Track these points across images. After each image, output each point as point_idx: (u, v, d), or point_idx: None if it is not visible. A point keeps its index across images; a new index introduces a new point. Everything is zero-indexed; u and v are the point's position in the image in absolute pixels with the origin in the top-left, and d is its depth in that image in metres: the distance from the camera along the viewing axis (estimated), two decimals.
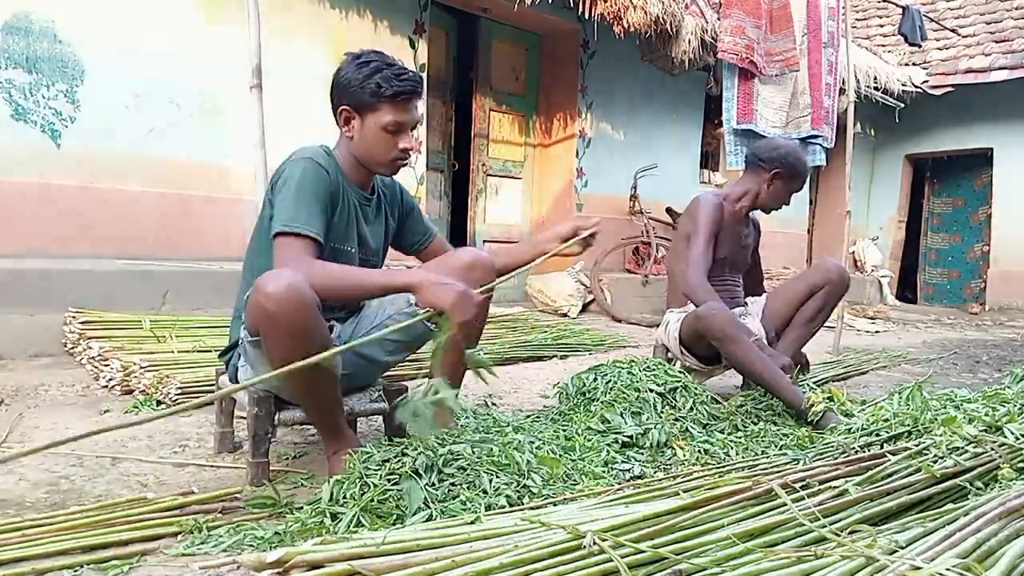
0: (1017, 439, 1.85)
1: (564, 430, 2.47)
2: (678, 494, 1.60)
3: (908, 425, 2.20)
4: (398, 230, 2.32)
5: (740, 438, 2.54)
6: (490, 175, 6.86)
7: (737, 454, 2.39)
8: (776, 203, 3.19)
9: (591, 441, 2.36)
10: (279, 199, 1.94)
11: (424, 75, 5.77)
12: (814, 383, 3.60)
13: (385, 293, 1.99)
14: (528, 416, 2.70)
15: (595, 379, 2.75)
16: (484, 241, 6.79)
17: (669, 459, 2.36)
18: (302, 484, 2.05)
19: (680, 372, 2.85)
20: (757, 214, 3.37)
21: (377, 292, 1.98)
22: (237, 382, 2.14)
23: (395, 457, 1.79)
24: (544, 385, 3.46)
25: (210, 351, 3.25)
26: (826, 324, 3.39)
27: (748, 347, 2.85)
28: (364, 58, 2.03)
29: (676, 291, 3.24)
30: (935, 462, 1.73)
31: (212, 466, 2.20)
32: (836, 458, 1.90)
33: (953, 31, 10.00)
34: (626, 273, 7.04)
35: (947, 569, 1.15)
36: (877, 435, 2.21)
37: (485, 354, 4.00)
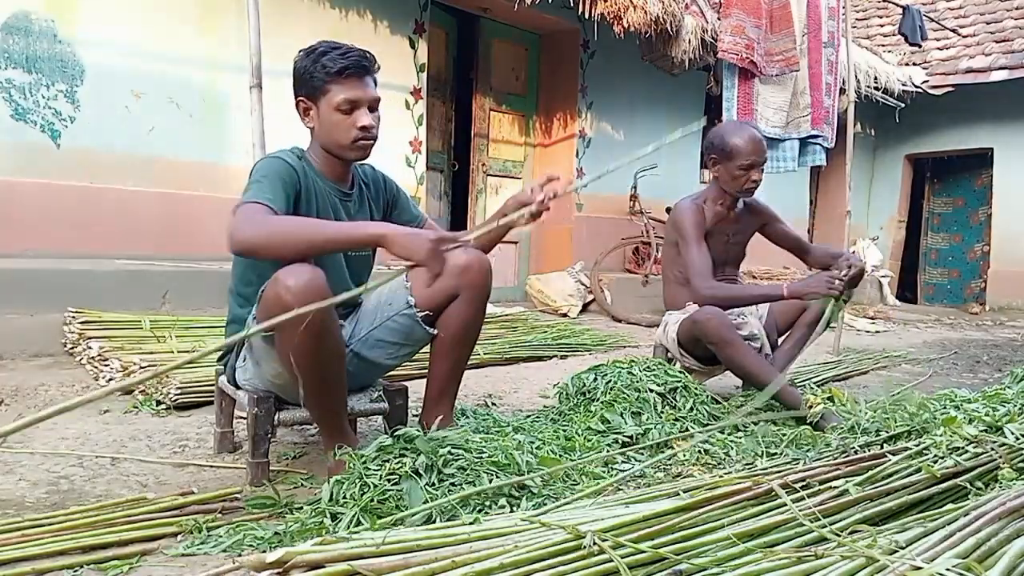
0: (1017, 439, 1.85)
1: (564, 430, 2.47)
2: (678, 494, 1.60)
3: (908, 425, 2.20)
4: (385, 219, 2.29)
5: (740, 438, 2.53)
6: (490, 175, 6.86)
7: (737, 454, 2.39)
8: (737, 186, 3.06)
9: (591, 441, 2.36)
10: (247, 192, 1.92)
11: (424, 75, 5.78)
12: (814, 383, 3.60)
13: (350, 246, 1.95)
14: (528, 416, 2.69)
15: (595, 379, 2.74)
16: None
17: (669, 459, 2.35)
18: (302, 484, 2.05)
19: (680, 372, 2.85)
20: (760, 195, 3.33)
21: (341, 244, 1.91)
22: (235, 383, 2.14)
23: (395, 457, 1.79)
24: (544, 385, 3.46)
25: (210, 351, 3.25)
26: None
27: (744, 350, 2.85)
28: (311, 47, 2.04)
29: (672, 293, 3.24)
30: (935, 462, 1.73)
31: (212, 466, 2.20)
32: (836, 458, 1.90)
33: (953, 31, 9.99)
34: (626, 273, 7.04)
35: (947, 569, 1.15)
36: (877, 435, 2.21)
37: (485, 354, 4.02)
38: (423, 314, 2.13)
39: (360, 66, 2.01)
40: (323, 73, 1.99)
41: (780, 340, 3.24)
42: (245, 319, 2.05)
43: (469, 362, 2.33)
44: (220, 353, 2.21)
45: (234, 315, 2.13)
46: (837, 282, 2.82)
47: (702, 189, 3.34)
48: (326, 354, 1.87)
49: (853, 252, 3.52)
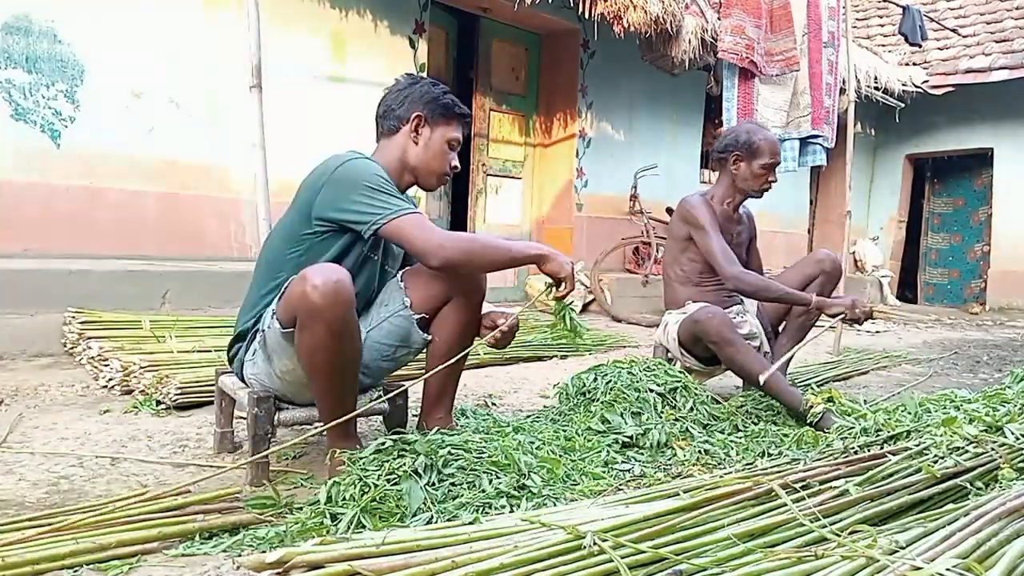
0: (1017, 439, 1.85)
1: (564, 430, 2.47)
2: (678, 494, 1.60)
3: (908, 425, 2.20)
4: None
5: (740, 438, 2.54)
6: (490, 175, 6.86)
7: (737, 454, 2.39)
8: (755, 184, 3.12)
9: (591, 441, 2.36)
10: (359, 199, 1.95)
11: (424, 75, 5.77)
12: (814, 383, 3.60)
13: (522, 263, 2.11)
14: (528, 416, 2.69)
15: (595, 379, 2.74)
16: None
17: (669, 459, 2.36)
18: (302, 484, 2.05)
19: (680, 372, 2.85)
20: (753, 206, 3.35)
21: (518, 261, 2.09)
22: (242, 377, 2.13)
23: (394, 457, 1.79)
24: (544, 385, 3.46)
25: (210, 351, 3.25)
26: (822, 325, 3.36)
27: (745, 350, 2.85)
28: (431, 80, 2.23)
29: (673, 293, 3.24)
30: (935, 462, 1.73)
31: (212, 466, 2.20)
32: (836, 458, 1.90)
33: (953, 31, 9.99)
34: (626, 273, 7.04)
35: (947, 569, 1.15)
36: (877, 434, 2.21)
37: (485, 354, 4.01)
38: (419, 317, 2.14)
39: (471, 120, 2.31)
40: (451, 108, 2.16)
41: (778, 340, 3.25)
42: (267, 304, 2.06)
43: (469, 362, 2.34)
44: (231, 340, 2.20)
45: (255, 300, 2.12)
46: (859, 311, 2.94)
47: (708, 188, 3.36)
48: (344, 355, 1.89)
49: (852, 253, 3.50)
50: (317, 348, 1.84)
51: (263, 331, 2.01)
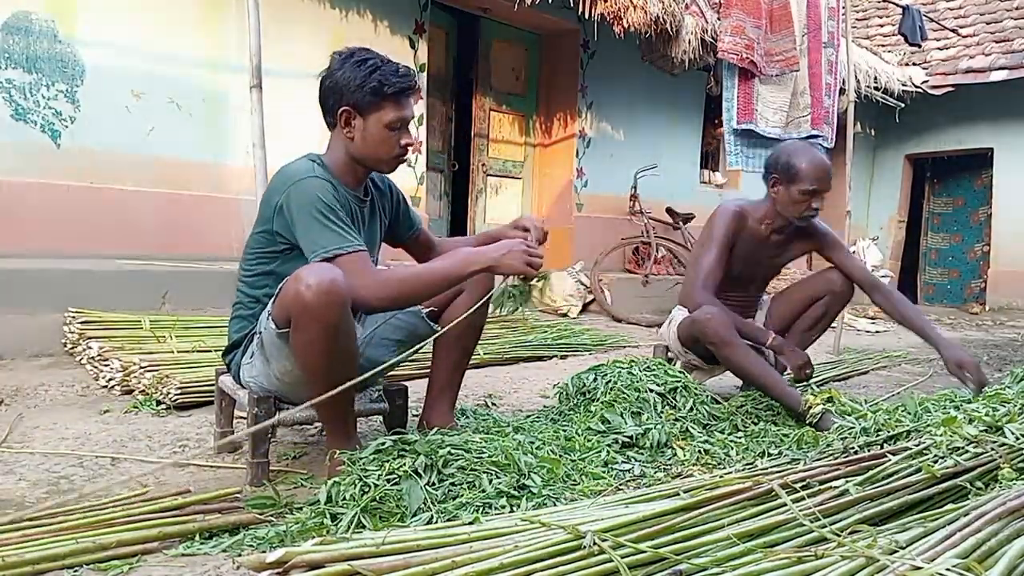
0: (1017, 439, 1.85)
1: (564, 430, 2.47)
2: (678, 494, 1.60)
3: (908, 425, 2.20)
4: (390, 224, 2.32)
5: (740, 438, 2.54)
6: (490, 175, 6.86)
7: (737, 454, 2.39)
8: (795, 212, 2.91)
9: (591, 441, 2.36)
10: (306, 227, 1.91)
11: (424, 75, 5.78)
12: (814, 383, 3.60)
13: (458, 282, 2.02)
14: (528, 416, 2.69)
15: (595, 379, 2.74)
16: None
17: (669, 459, 2.35)
18: (302, 484, 2.05)
19: (680, 372, 2.84)
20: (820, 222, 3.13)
21: (457, 280, 2.00)
22: (239, 379, 2.14)
23: (394, 457, 1.79)
24: (544, 385, 3.46)
25: (210, 351, 3.25)
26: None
27: (743, 351, 2.85)
28: (358, 57, 2.04)
29: (688, 291, 3.19)
30: (935, 462, 1.73)
31: (212, 466, 2.20)
32: (836, 458, 1.90)
33: (953, 31, 9.99)
34: (626, 273, 7.04)
35: (947, 569, 1.15)
36: (877, 434, 2.21)
37: (485, 354, 4.01)
38: (427, 310, 2.15)
39: (414, 88, 2.07)
40: (380, 90, 2.00)
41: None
42: (254, 315, 2.07)
43: (469, 362, 2.34)
44: (225, 350, 2.20)
45: (241, 312, 2.13)
46: (803, 375, 2.89)
47: (757, 200, 3.10)
48: (340, 355, 1.88)
49: (852, 253, 3.35)
50: (312, 348, 1.84)
51: (259, 333, 2.01)
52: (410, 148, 2.11)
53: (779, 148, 3.08)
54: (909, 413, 2.47)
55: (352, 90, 2.01)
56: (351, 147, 2.07)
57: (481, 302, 2.13)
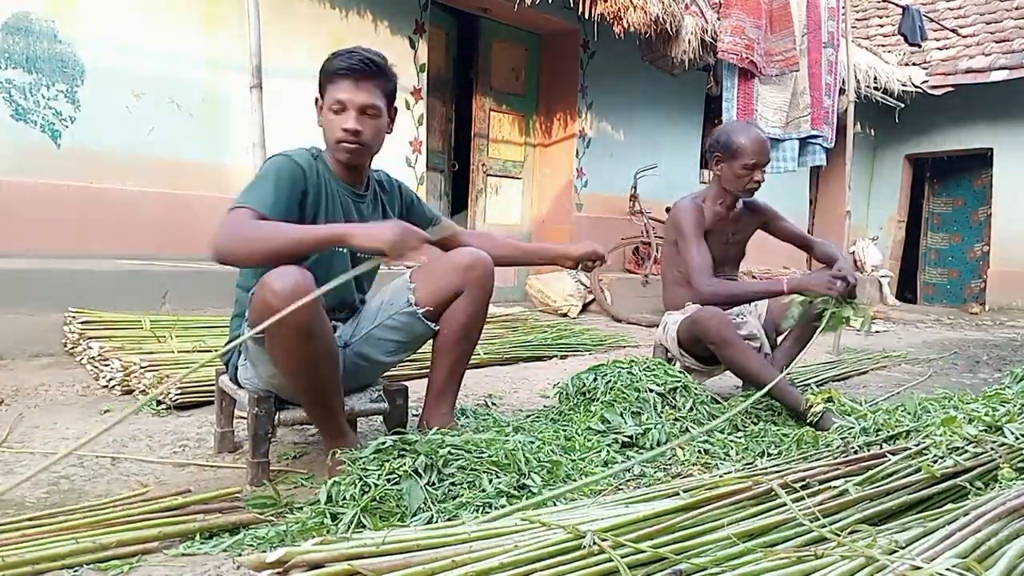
0: (1017, 439, 1.85)
1: (564, 430, 2.47)
2: (678, 494, 1.60)
3: (908, 425, 2.20)
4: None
5: (740, 438, 2.54)
6: (490, 175, 6.86)
7: (737, 454, 2.39)
8: (739, 185, 3.06)
9: (591, 441, 2.36)
10: (250, 185, 1.96)
11: (424, 75, 5.78)
12: (814, 383, 3.60)
13: (316, 246, 1.86)
14: (528, 416, 2.70)
15: (595, 379, 2.74)
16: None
17: (669, 459, 2.36)
18: (302, 484, 2.05)
19: (680, 372, 2.85)
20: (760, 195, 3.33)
21: (308, 245, 1.83)
22: (236, 381, 2.14)
23: (394, 457, 1.79)
24: (544, 385, 3.46)
25: (210, 351, 3.25)
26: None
27: (745, 350, 2.85)
28: (344, 48, 2.09)
29: (671, 293, 3.24)
30: (935, 462, 1.73)
31: (212, 466, 2.20)
32: (836, 458, 1.90)
33: (953, 31, 10.00)
34: (626, 273, 7.04)
35: (947, 569, 1.15)
36: (877, 434, 2.21)
37: (485, 354, 4.00)
38: (424, 310, 2.15)
39: (352, 68, 2.01)
40: (326, 70, 2.05)
41: (779, 339, 3.24)
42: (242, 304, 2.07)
43: (469, 362, 2.34)
44: (224, 351, 2.20)
45: (239, 310, 2.13)
46: (839, 283, 2.83)
47: (702, 189, 3.34)
48: (316, 356, 1.87)
49: (852, 253, 3.47)
50: (289, 352, 1.83)
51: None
52: (356, 134, 2.02)
53: (718, 130, 3.23)
54: (909, 413, 2.47)
55: (320, 77, 2.08)
56: (323, 133, 2.11)
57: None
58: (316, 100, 2.11)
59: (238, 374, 2.12)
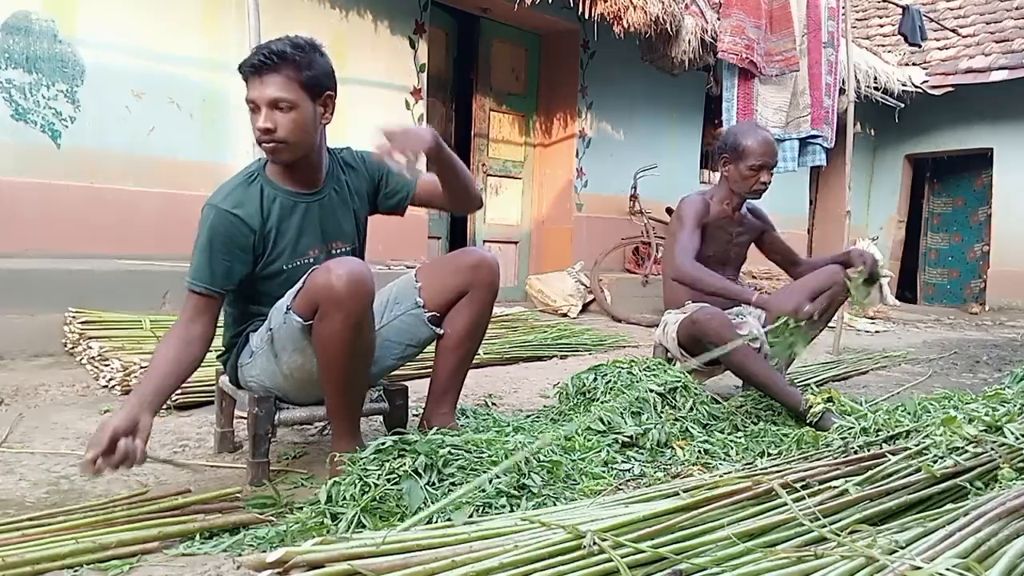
0: (1017, 439, 1.85)
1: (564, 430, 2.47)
2: (678, 494, 1.60)
3: (908, 425, 2.20)
4: (375, 200, 2.24)
5: (740, 438, 2.54)
6: (490, 175, 6.86)
7: (737, 454, 2.39)
8: (746, 187, 3.09)
9: (591, 441, 2.36)
10: (194, 248, 1.97)
11: (424, 75, 5.78)
12: (814, 383, 3.60)
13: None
14: (528, 416, 2.70)
15: (595, 379, 2.75)
16: (484, 241, 6.80)
17: (669, 459, 2.36)
18: (302, 484, 2.05)
19: (680, 372, 2.84)
20: (762, 205, 3.35)
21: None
22: (237, 381, 2.14)
23: (394, 457, 1.79)
24: (544, 385, 3.46)
25: (210, 351, 3.25)
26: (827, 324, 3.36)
27: (745, 351, 2.85)
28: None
29: (672, 293, 3.24)
30: (935, 462, 1.73)
31: (212, 466, 2.20)
32: (836, 458, 1.90)
33: (953, 31, 9.99)
34: (626, 273, 7.04)
35: (947, 569, 1.15)
36: (877, 434, 2.21)
37: (485, 354, 3.99)
38: (430, 315, 2.15)
39: (253, 65, 1.89)
40: (240, 70, 1.94)
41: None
42: (245, 328, 2.10)
43: (472, 362, 2.35)
44: (221, 352, 2.20)
45: (226, 319, 2.14)
46: (807, 308, 2.74)
47: (710, 187, 3.36)
48: (360, 348, 1.90)
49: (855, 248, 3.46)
50: (335, 338, 1.84)
51: (270, 330, 2.00)
52: (269, 132, 1.91)
53: (726, 131, 3.26)
54: (909, 413, 2.47)
55: None
56: None
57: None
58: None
59: (239, 374, 2.11)
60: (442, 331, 2.20)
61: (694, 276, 2.94)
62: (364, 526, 1.62)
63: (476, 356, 2.36)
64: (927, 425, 2.09)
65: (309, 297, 1.87)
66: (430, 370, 2.31)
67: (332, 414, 2.03)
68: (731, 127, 3.30)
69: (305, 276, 1.90)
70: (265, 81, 1.89)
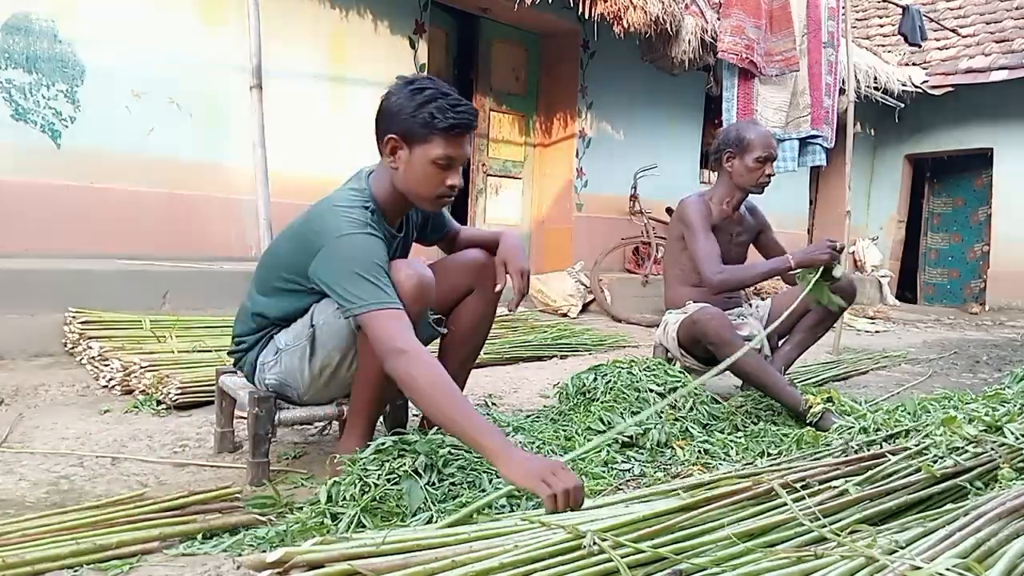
0: (1017, 439, 1.85)
1: (564, 430, 2.47)
2: (678, 494, 1.60)
3: (908, 425, 2.20)
4: (420, 235, 2.30)
5: (740, 438, 2.54)
6: (490, 175, 6.87)
7: (737, 454, 2.39)
8: (752, 180, 3.11)
9: (591, 441, 2.36)
10: (342, 280, 1.83)
11: (423, 74, 5.77)
12: (814, 384, 3.60)
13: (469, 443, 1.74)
14: (528, 416, 2.70)
15: (595, 379, 2.74)
16: None
17: (669, 459, 2.36)
18: (302, 484, 2.05)
19: (680, 372, 2.85)
20: (757, 201, 3.35)
21: (461, 438, 1.74)
22: (252, 379, 2.12)
23: (394, 457, 1.79)
24: (544, 385, 3.46)
25: (210, 351, 3.25)
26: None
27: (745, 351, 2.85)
28: (418, 84, 1.92)
29: (673, 293, 3.25)
30: (935, 462, 1.73)
31: (212, 466, 2.20)
32: (836, 458, 1.90)
33: (953, 31, 9.99)
34: (626, 273, 7.04)
35: (947, 569, 1.15)
36: (877, 434, 2.21)
37: (485, 354, 4.00)
38: (435, 317, 2.16)
39: (470, 126, 1.93)
40: (431, 123, 1.88)
41: (780, 342, 3.25)
42: (272, 330, 2.09)
43: (475, 361, 2.36)
44: (232, 348, 2.19)
45: (258, 322, 2.11)
46: (839, 244, 2.86)
47: (707, 188, 3.37)
48: None
49: (852, 252, 3.48)
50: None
51: (312, 327, 1.98)
52: (456, 189, 1.99)
53: (724, 129, 3.27)
54: (909, 413, 2.47)
55: (403, 118, 1.90)
56: (396, 178, 1.98)
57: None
58: (391, 141, 1.94)
59: (260, 370, 2.08)
60: (445, 330, 2.20)
61: (731, 279, 2.97)
62: (364, 526, 1.62)
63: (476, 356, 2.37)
64: (927, 425, 2.09)
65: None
66: None
67: (355, 412, 2.03)
68: (728, 125, 3.32)
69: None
70: (468, 140, 1.97)
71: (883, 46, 10.21)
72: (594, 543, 1.27)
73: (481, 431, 1.67)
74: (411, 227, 2.22)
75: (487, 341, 4.07)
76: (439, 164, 1.92)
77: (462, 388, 2.32)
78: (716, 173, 3.30)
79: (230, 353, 2.21)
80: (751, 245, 3.40)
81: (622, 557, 1.25)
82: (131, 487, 1.98)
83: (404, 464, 1.76)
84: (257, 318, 2.11)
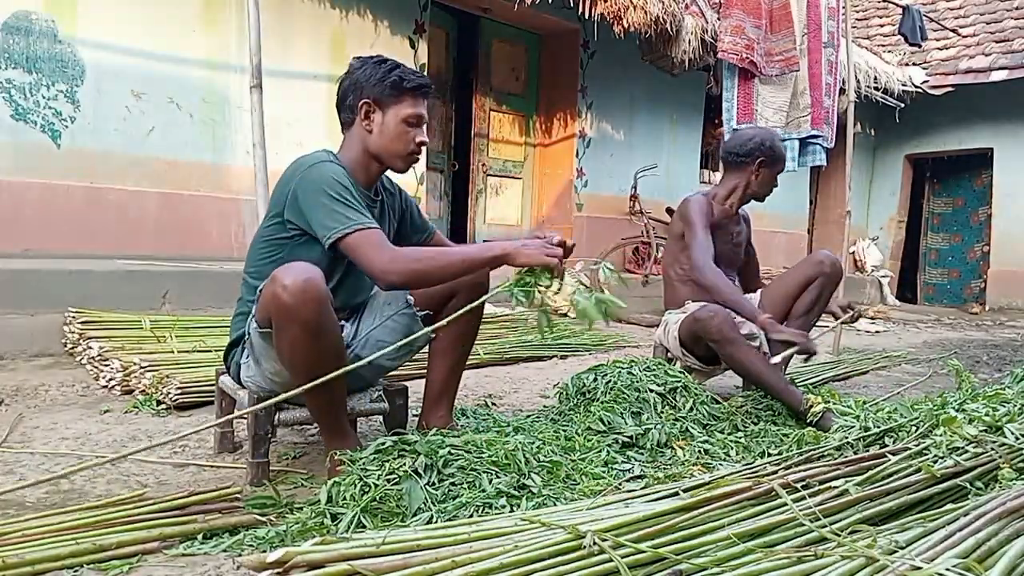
0: (1017, 439, 1.85)
1: (564, 430, 2.47)
2: (678, 494, 1.60)
3: (907, 425, 2.20)
4: (399, 229, 2.32)
5: (740, 438, 2.54)
6: (490, 175, 6.87)
7: (737, 454, 2.39)
8: (767, 190, 3.23)
9: (591, 441, 2.36)
10: (318, 209, 1.93)
11: (377, 54, 5.76)
12: (813, 384, 3.60)
13: (484, 267, 2.00)
14: (528, 416, 2.69)
15: (595, 379, 2.74)
16: (484, 241, 6.80)
17: (669, 459, 2.35)
18: (302, 484, 2.05)
19: (680, 372, 2.84)
20: (753, 206, 3.37)
21: (477, 267, 1.99)
22: (239, 379, 2.14)
23: (394, 457, 1.79)
24: (544, 385, 3.46)
25: (210, 351, 3.25)
26: (826, 325, 3.38)
27: (746, 349, 2.85)
28: (378, 58, 2.13)
29: (673, 292, 3.25)
30: (935, 462, 1.73)
31: (212, 466, 2.20)
32: (836, 458, 1.90)
33: (953, 31, 10.00)
34: (626, 273, 7.04)
35: (947, 569, 1.15)
36: (876, 432, 2.21)
37: (485, 354, 4.00)
38: (423, 314, 2.15)
39: (431, 87, 2.14)
40: (399, 83, 2.06)
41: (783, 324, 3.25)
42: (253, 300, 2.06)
43: (469, 362, 2.35)
44: (226, 349, 2.20)
45: (245, 308, 2.12)
46: (808, 350, 2.92)
47: (711, 187, 3.42)
48: (323, 353, 1.87)
49: (852, 253, 3.53)
50: (295, 348, 1.84)
51: (248, 335, 2.02)
52: (423, 147, 2.14)
53: (756, 135, 3.24)
54: (908, 413, 2.47)
55: (373, 84, 2.07)
56: (368, 141, 2.10)
57: (478, 301, 2.12)
58: (363, 104, 2.07)
59: (240, 372, 2.12)
60: (434, 334, 2.19)
61: (714, 282, 2.98)
62: (364, 526, 1.62)
63: (476, 356, 2.37)
64: (926, 425, 2.09)
65: (263, 308, 1.88)
66: (426, 371, 2.31)
67: (313, 416, 2.04)
68: (760, 132, 3.31)
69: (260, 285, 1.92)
70: (426, 104, 2.14)
71: (883, 46, 10.21)
72: (594, 543, 1.27)
73: (481, 252, 1.97)
74: (387, 208, 2.25)
75: (488, 341, 4.12)
76: (409, 122, 2.08)
77: (455, 390, 2.32)
78: (722, 171, 3.33)
79: (225, 354, 2.21)
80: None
81: (622, 557, 1.25)
82: (131, 487, 1.97)
83: (404, 464, 1.76)
84: (241, 314, 2.12)
